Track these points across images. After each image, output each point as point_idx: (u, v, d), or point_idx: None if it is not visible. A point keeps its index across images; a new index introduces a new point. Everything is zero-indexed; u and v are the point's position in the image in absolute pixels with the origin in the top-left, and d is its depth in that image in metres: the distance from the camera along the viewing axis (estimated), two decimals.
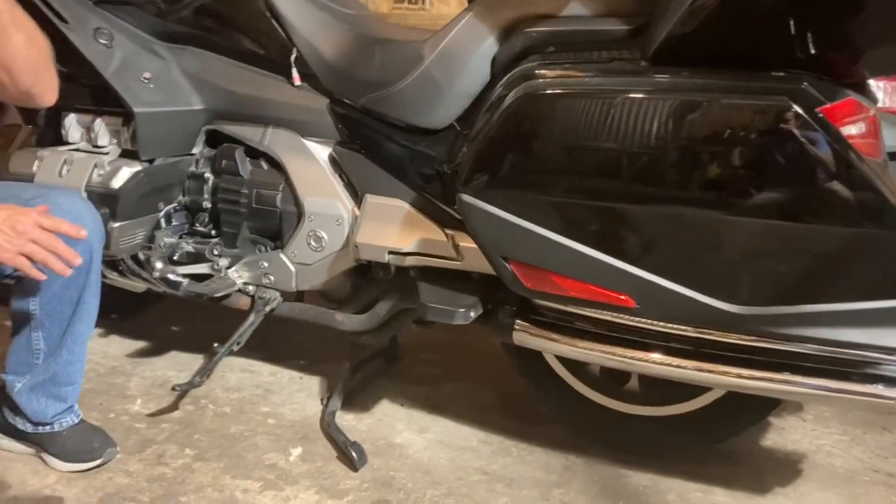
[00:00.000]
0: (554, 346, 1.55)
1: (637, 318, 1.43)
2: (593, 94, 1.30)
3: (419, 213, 1.66)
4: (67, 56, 1.77)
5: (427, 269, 1.67)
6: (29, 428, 1.63)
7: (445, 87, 1.56)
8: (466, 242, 1.57)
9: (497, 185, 1.38)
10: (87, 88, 1.84)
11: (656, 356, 1.46)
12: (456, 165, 1.54)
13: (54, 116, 1.92)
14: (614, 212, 1.30)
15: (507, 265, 1.42)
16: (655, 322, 1.43)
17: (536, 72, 1.38)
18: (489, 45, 1.51)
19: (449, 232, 1.61)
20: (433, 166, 1.63)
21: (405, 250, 1.65)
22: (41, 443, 1.64)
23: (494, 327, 1.62)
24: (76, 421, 1.66)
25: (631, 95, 1.27)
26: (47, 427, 1.63)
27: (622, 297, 1.34)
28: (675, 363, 1.44)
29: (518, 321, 1.57)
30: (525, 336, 1.56)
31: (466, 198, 1.41)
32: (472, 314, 1.57)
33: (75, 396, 1.66)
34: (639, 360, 1.48)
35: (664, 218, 1.26)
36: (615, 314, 1.43)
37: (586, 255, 1.32)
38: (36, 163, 1.83)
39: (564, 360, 1.73)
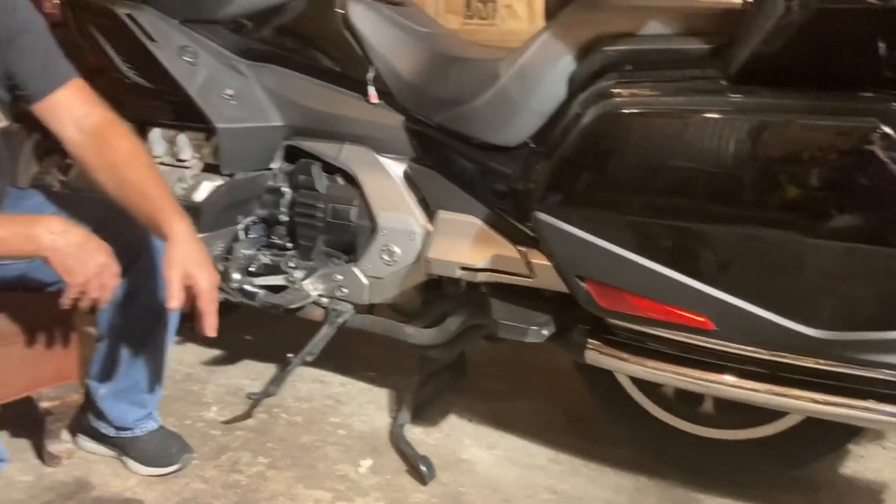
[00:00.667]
0: (627, 367, 1.53)
1: (713, 341, 1.40)
2: (673, 114, 1.29)
3: (491, 229, 1.67)
4: (154, 73, 1.84)
5: (498, 286, 1.67)
6: (111, 432, 1.69)
7: (521, 104, 1.56)
8: (539, 260, 1.57)
9: (573, 204, 1.38)
10: (170, 104, 1.91)
11: (730, 378, 1.43)
12: (531, 183, 1.54)
13: (139, 131, 1.99)
14: (694, 232, 1.28)
15: (581, 284, 1.42)
16: (730, 344, 1.40)
17: (613, 90, 1.38)
18: (566, 64, 1.50)
19: (521, 249, 1.61)
20: (507, 183, 1.64)
21: (477, 266, 1.66)
22: (122, 447, 1.70)
23: (566, 345, 1.61)
24: (155, 427, 1.72)
25: (712, 115, 1.25)
26: (128, 432, 1.68)
27: (700, 318, 1.32)
28: (749, 386, 1.42)
29: (590, 340, 1.55)
30: (597, 355, 1.55)
31: (542, 216, 1.41)
32: (545, 332, 1.57)
33: (155, 403, 1.71)
34: (713, 382, 1.45)
35: (747, 239, 1.24)
36: (691, 336, 1.40)
37: (664, 276, 1.31)
38: None
39: (637, 381, 1.71)
